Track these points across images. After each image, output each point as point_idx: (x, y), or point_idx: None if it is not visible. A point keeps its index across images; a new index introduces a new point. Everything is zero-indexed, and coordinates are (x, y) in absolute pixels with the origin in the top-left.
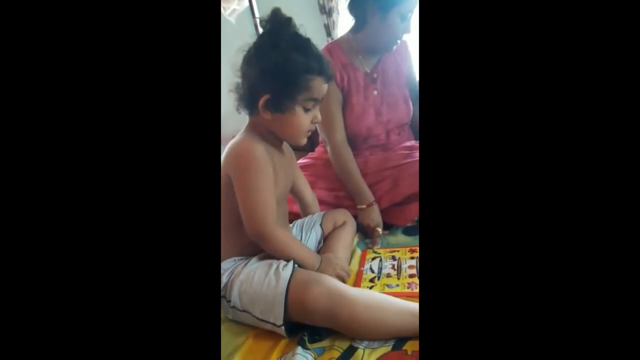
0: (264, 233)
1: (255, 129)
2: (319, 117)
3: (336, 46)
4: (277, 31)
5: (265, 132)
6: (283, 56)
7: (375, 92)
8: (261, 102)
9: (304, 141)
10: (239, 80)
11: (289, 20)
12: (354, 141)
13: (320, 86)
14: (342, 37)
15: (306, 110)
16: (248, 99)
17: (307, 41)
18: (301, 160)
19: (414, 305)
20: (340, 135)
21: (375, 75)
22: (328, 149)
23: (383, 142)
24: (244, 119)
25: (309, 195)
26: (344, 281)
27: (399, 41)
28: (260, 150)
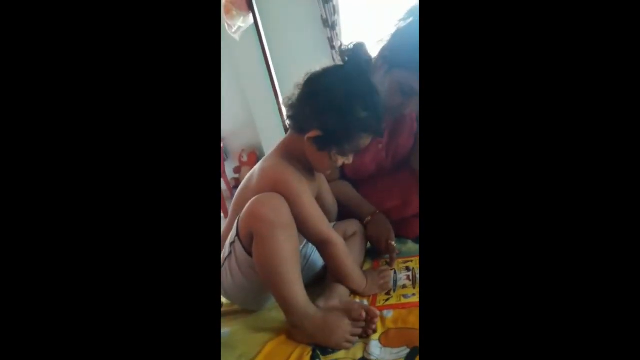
0: (329, 238)
1: (290, 149)
2: (350, 160)
3: None
4: (352, 74)
5: (299, 155)
6: (349, 108)
7: (380, 146)
8: (310, 134)
9: (329, 172)
10: (297, 96)
11: (367, 62)
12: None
13: (367, 141)
14: None
15: (343, 155)
16: (299, 123)
17: (374, 92)
18: None
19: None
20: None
21: (384, 125)
22: None
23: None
24: (250, 135)
25: (330, 202)
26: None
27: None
28: (295, 174)
